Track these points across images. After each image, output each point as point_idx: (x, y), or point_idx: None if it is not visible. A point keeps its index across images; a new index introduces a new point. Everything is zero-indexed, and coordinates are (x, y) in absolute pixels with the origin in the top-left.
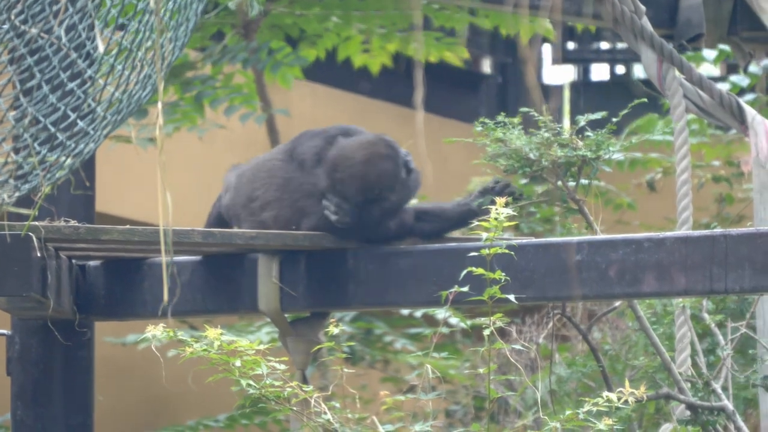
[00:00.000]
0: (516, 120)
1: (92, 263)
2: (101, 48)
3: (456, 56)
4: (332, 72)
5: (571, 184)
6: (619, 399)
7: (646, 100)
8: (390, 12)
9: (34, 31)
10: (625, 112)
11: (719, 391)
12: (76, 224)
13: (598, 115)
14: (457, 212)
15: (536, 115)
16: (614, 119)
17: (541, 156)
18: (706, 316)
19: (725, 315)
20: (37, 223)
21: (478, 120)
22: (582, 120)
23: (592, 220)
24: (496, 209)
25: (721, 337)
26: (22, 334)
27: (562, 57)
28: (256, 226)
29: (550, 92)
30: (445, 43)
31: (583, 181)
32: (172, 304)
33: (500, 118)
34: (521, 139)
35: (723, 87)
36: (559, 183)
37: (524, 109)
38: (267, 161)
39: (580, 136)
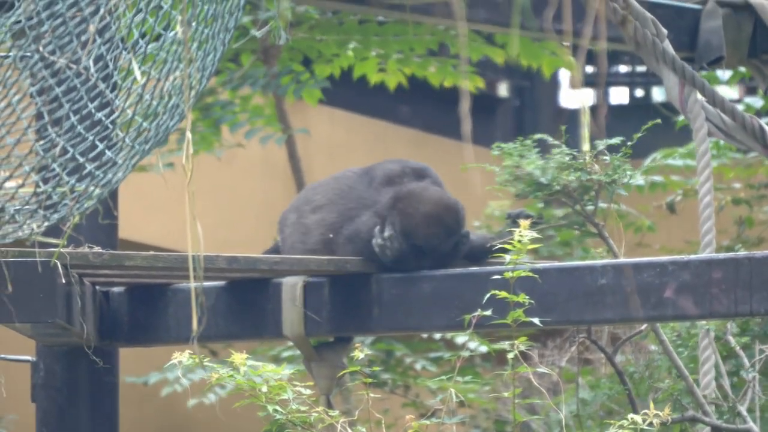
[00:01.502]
0: (530, 143)
1: (116, 289)
2: (139, 78)
3: (472, 84)
4: (350, 96)
5: (590, 207)
6: (644, 421)
7: (659, 120)
8: (409, 37)
9: (62, 61)
10: (639, 135)
11: (744, 413)
12: (101, 250)
13: (616, 140)
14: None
15: (551, 139)
16: (629, 143)
17: (552, 180)
18: (730, 338)
19: (750, 337)
20: (62, 249)
21: (495, 144)
22: (600, 144)
23: (613, 243)
24: (520, 232)
25: (746, 359)
26: (47, 360)
27: (582, 80)
28: (296, 228)
29: (567, 115)
30: (462, 71)
31: (602, 205)
32: (196, 330)
33: (517, 142)
34: (532, 164)
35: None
36: (577, 207)
37: (538, 136)
38: (342, 173)
39: (596, 159)
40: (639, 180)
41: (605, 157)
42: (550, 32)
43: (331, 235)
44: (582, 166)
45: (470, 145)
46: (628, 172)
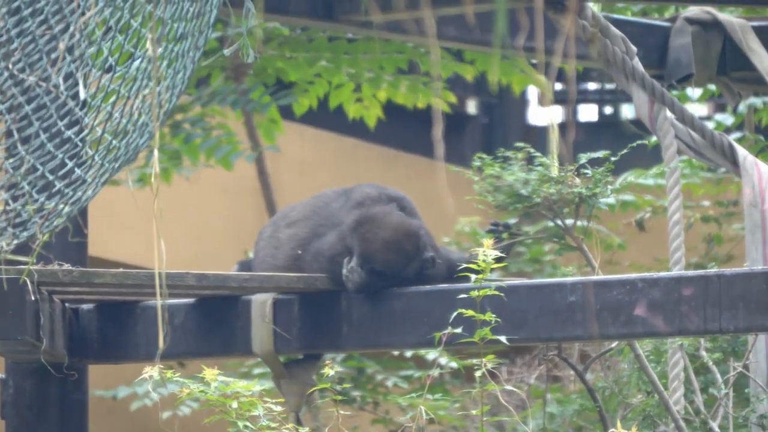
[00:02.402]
0: (521, 155)
1: (85, 306)
2: (82, 94)
3: (443, 101)
4: (319, 114)
5: (568, 222)
6: None
7: (646, 142)
8: (378, 56)
9: (32, 79)
10: (624, 152)
11: (716, 429)
12: (70, 268)
13: (599, 154)
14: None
15: (533, 152)
16: (613, 158)
17: (533, 193)
18: (703, 353)
19: (720, 353)
20: (32, 267)
21: (476, 155)
22: (583, 158)
23: (591, 257)
24: (484, 251)
25: (718, 375)
26: (16, 377)
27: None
28: (269, 242)
29: (536, 133)
30: (432, 89)
31: (581, 223)
32: (165, 347)
33: (499, 153)
34: (514, 175)
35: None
36: (558, 221)
37: (521, 144)
38: (324, 192)
39: (577, 174)
40: (610, 199)
41: (587, 171)
42: (520, 50)
43: (299, 251)
44: (563, 179)
45: (443, 165)
46: (609, 187)
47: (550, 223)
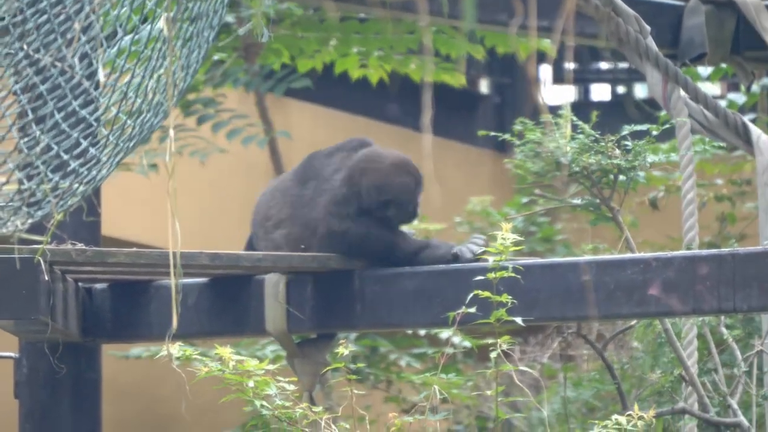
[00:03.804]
0: (563, 119)
1: (98, 286)
2: (101, 77)
3: (455, 81)
4: (332, 93)
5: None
6: (628, 422)
7: (674, 123)
8: (388, 36)
9: (47, 59)
10: (665, 126)
11: (735, 407)
12: (84, 247)
13: (643, 127)
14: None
15: (575, 119)
16: (654, 132)
17: (573, 161)
18: (724, 330)
19: (740, 330)
20: (45, 246)
21: (518, 119)
22: (626, 129)
23: (625, 228)
24: (503, 235)
25: (738, 353)
26: (30, 357)
27: (562, 77)
28: (269, 244)
29: (548, 112)
30: (443, 68)
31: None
32: (175, 327)
33: (542, 118)
34: (555, 142)
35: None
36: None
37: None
38: (282, 182)
39: (617, 145)
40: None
41: (627, 143)
42: (532, 29)
43: (302, 246)
44: (603, 149)
45: (429, 136)
46: (648, 159)
47: (573, 200)
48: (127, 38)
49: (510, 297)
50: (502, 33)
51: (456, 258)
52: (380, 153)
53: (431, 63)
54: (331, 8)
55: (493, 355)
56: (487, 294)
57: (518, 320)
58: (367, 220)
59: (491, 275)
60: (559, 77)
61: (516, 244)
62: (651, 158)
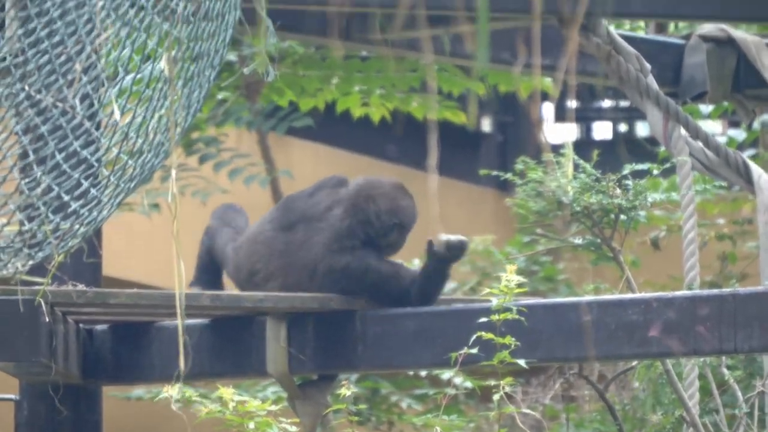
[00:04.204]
0: (565, 158)
1: (99, 327)
2: (118, 117)
3: (457, 118)
4: (334, 131)
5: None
6: None
7: (675, 161)
8: (390, 74)
9: (49, 99)
10: (666, 165)
11: None
12: (85, 288)
13: (644, 165)
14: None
15: (577, 159)
16: (655, 172)
17: (574, 201)
18: (725, 371)
19: (742, 371)
20: (46, 287)
21: (520, 158)
22: (627, 168)
23: (626, 268)
24: (507, 277)
25: (739, 394)
26: (31, 399)
27: (564, 115)
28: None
29: (550, 151)
30: (445, 106)
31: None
32: (183, 369)
33: (544, 157)
34: (556, 182)
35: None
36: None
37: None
38: (260, 233)
39: (618, 185)
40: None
41: (627, 183)
42: (536, 68)
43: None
44: (604, 189)
45: (435, 176)
46: (649, 199)
47: (575, 240)
48: (129, 78)
49: (513, 338)
50: (504, 72)
51: (448, 246)
52: (377, 180)
53: (435, 102)
54: (336, 47)
55: (495, 397)
56: (490, 335)
57: (521, 362)
58: (364, 252)
59: (495, 317)
60: (560, 116)
61: (520, 285)
62: (652, 197)
